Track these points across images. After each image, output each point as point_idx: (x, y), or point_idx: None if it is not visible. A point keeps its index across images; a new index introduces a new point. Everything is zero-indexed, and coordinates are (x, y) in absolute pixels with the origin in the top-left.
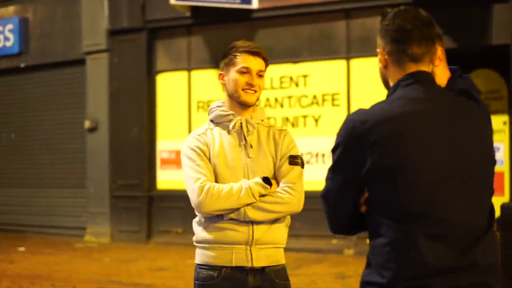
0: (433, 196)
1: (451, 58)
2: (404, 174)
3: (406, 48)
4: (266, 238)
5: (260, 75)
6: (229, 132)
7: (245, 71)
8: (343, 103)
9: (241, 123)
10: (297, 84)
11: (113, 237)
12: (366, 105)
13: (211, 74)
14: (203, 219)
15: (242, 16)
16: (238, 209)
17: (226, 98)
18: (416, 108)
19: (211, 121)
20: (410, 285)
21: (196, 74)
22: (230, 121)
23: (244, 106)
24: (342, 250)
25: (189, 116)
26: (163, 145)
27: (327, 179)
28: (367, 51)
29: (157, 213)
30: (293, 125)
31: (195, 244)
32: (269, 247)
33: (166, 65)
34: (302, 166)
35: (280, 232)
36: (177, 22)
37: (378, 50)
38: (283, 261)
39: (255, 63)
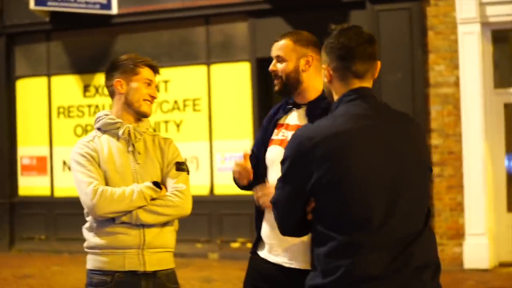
0: (372, 207)
1: None
2: (346, 187)
3: (350, 65)
4: (157, 242)
5: (156, 88)
6: (117, 139)
7: (149, 83)
8: (204, 108)
9: (129, 130)
10: (158, 90)
11: None
12: (227, 110)
13: (71, 80)
14: (94, 224)
15: (102, 22)
16: (130, 212)
17: (116, 107)
18: (358, 124)
19: (98, 129)
20: None
21: (56, 79)
22: (118, 128)
23: (141, 115)
24: (206, 254)
25: (49, 122)
26: (24, 151)
27: (277, 188)
28: (227, 56)
29: (19, 220)
30: (154, 130)
31: (86, 250)
32: (160, 251)
33: (25, 70)
34: (188, 172)
35: (170, 236)
36: (36, 27)
37: (323, 66)
38: (173, 265)
39: (154, 78)
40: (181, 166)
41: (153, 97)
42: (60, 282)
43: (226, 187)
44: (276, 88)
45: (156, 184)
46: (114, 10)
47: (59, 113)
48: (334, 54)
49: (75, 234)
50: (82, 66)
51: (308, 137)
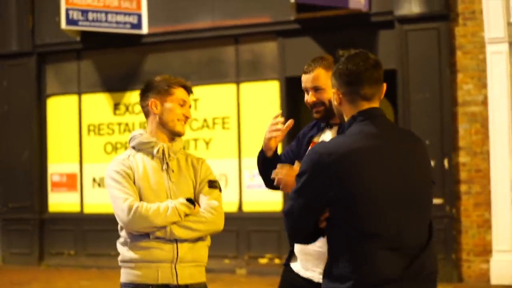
0: (386, 218)
1: None
2: (362, 200)
3: (359, 90)
4: (189, 256)
5: (189, 108)
6: (152, 158)
7: (182, 104)
8: (233, 126)
9: (163, 149)
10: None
11: (5, 260)
12: (256, 128)
13: (101, 98)
14: (128, 239)
15: (132, 41)
16: (164, 227)
17: (151, 126)
18: (370, 143)
19: (133, 147)
20: None
21: (87, 98)
22: (153, 147)
23: (175, 135)
24: (234, 269)
25: (80, 140)
26: (54, 168)
27: (292, 199)
28: (255, 75)
29: (49, 236)
30: (184, 148)
31: (120, 264)
32: (192, 265)
33: (56, 89)
34: (220, 190)
35: (202, 250)
36: (67, 46)
37: (333, 90)
38: (204, 279)
39: (188, 98)
40: (213, 184)
41: (187, 117)
42: None
43: (255, 204)
44: (318, 115)
45: (190, 200)
46: (145, 29)
47: (89, 130)
48: (343, 80)
49: (104, 249)
50: (112, 85)
51: (328, 152)
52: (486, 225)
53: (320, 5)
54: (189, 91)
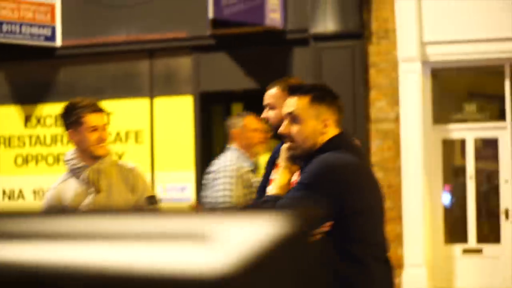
0: (377, 229)
1: (254, 99)
2: (367, 212)
3: (341, 116)
4: None
5: (103, 128)
6: (81, 182)
7: (94, 129)
8: (146, 140)
9: (88, 174)
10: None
11: None
12: (170, 142)
13: (12, 110)
14: None
15: (45, 54)
16: None
17: (77, 152)
18: (359, 160)
19: (68, 171)
20: None
21: None
22: (81, 173)
23: (98, 158)
24: None
25: None
26: None
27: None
28: (170, 90)
29: None
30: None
31: None
32: None
33: None
34: (157, 203)
35: None
36: None
37: (323, 117)
38: None
39: (100, 119)
40: (152, 200)
41: (102, 140)
42: None
43: None
44: (270, 133)
45: None
46: (58, 42)
47: None
48: (335, 107)
49: None
50: (25, 97)
51: (339, 165)
52: (397, 239)
53: (236, 22)
54: (101, 112)
